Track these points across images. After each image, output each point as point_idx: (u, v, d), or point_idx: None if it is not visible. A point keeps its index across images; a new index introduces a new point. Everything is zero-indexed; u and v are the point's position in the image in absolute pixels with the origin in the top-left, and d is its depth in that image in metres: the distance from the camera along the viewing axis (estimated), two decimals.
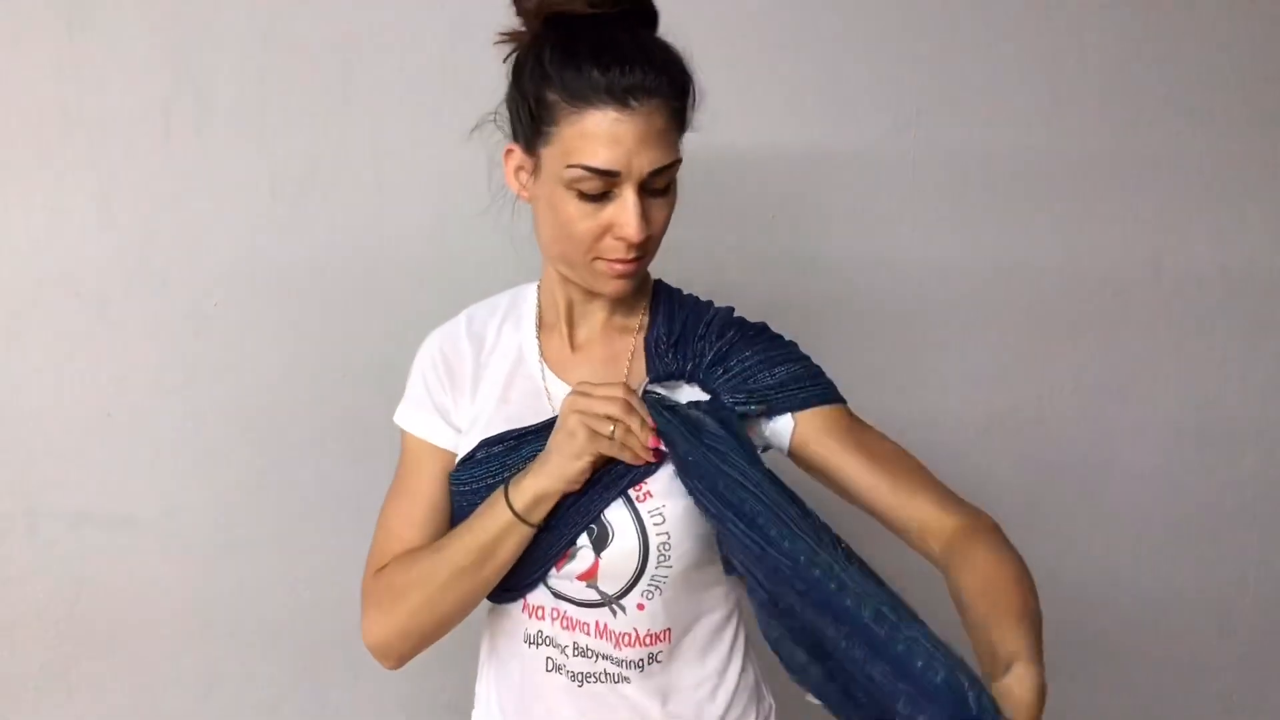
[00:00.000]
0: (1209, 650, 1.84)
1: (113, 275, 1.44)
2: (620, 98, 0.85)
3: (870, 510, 0.94)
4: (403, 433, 1.03)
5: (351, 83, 1.47)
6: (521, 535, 0.92)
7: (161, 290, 1.45)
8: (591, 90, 0.85)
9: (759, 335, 1.00)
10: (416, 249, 1.50)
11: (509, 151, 0.96)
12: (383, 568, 1.00)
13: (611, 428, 0.88)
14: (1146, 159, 1.69)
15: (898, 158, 1.62)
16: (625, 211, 0.88)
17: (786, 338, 1.02)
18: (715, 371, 0.96)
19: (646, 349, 0.99)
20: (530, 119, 0.91)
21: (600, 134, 0.85)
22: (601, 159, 0.86)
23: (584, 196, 0.88)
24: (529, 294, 1.05)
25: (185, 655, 1.52)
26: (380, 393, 1.48)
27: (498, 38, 0.94)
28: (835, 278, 1.63)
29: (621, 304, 1.01)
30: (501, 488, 0.93)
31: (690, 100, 0.92)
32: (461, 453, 0.99)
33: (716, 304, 1.04)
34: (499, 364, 1.01)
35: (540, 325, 1.02)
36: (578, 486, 0.91)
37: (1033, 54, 1.64)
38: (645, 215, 0.88)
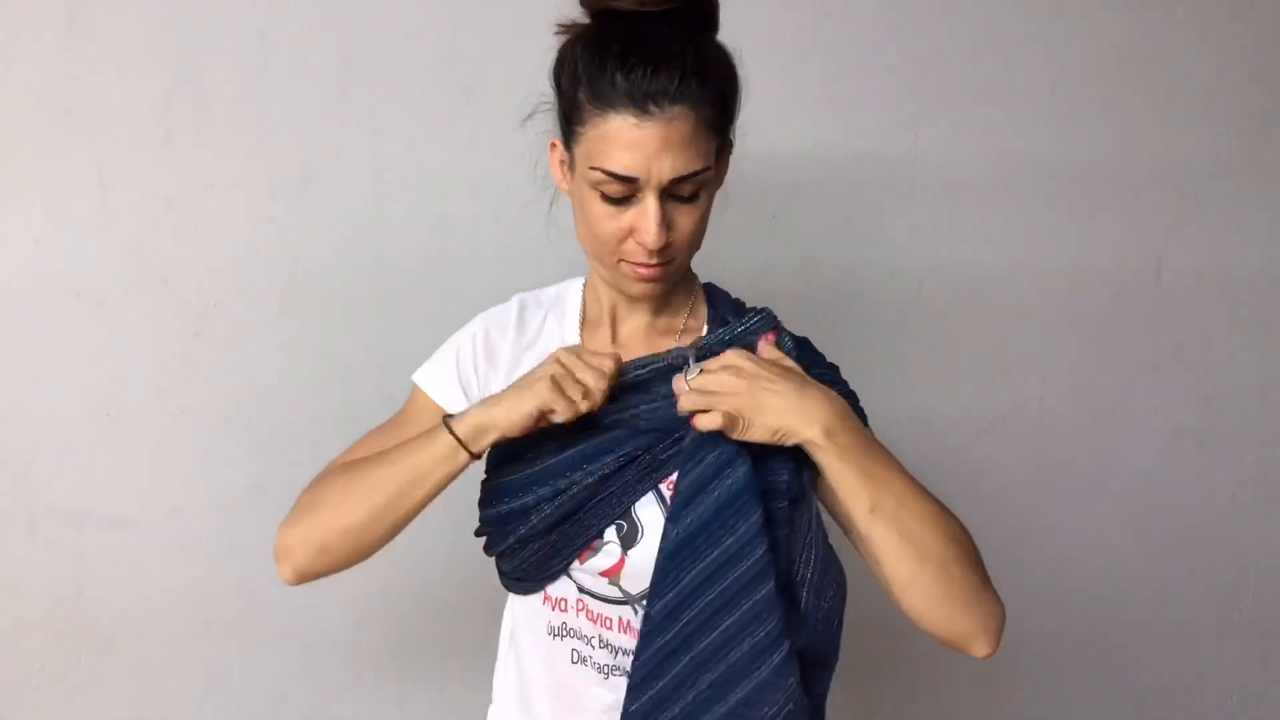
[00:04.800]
0: (1209, 650, 1.84)
1: (113, 275, 1.44)
2: (640, 103, 0.84)
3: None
4: (414, 388, 1.04)
5: (351, 83, 1.47)
6: (454, 465, 0.90)
7: (161, 290, 1.45)
8: (613, 93, 0.85)
9: (819, 361, 1.00)
10: (416, 249, 1.50)
11: (553, 145, 0.96)
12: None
13: (581, 393, 0.88)
14: (1146, 159, 1.69)
15: (898, 158, 1.62)
16: (645, 218, 0.87)
17: (826, 359, 1.01)
18: None
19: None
20: (564, 117, 0.91)
21: (619, 139, 0.85)
22: (619, 164, 0.85)
23: (607, 199, 0.88)
24: (574, 289, 1.05)
25: (185, 655, 1.52)
26: (380, 392, 1.49)
27: (557, 29, 0.93)
28: (835, 278, 1.62)
29: (666, 305, 1.01)
30: (442, 430, 0.91)
31: (733, 106, 0.91)
32: None
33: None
34: (540, 355, 1.00)
35: (584, 321, 1.02)
36: (517, 432, 0.89)
37: (1033, 55, 1.64)
38: (669, 221, 0.88)
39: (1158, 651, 1.82)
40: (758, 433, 0.86)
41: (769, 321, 0.97)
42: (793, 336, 0.98)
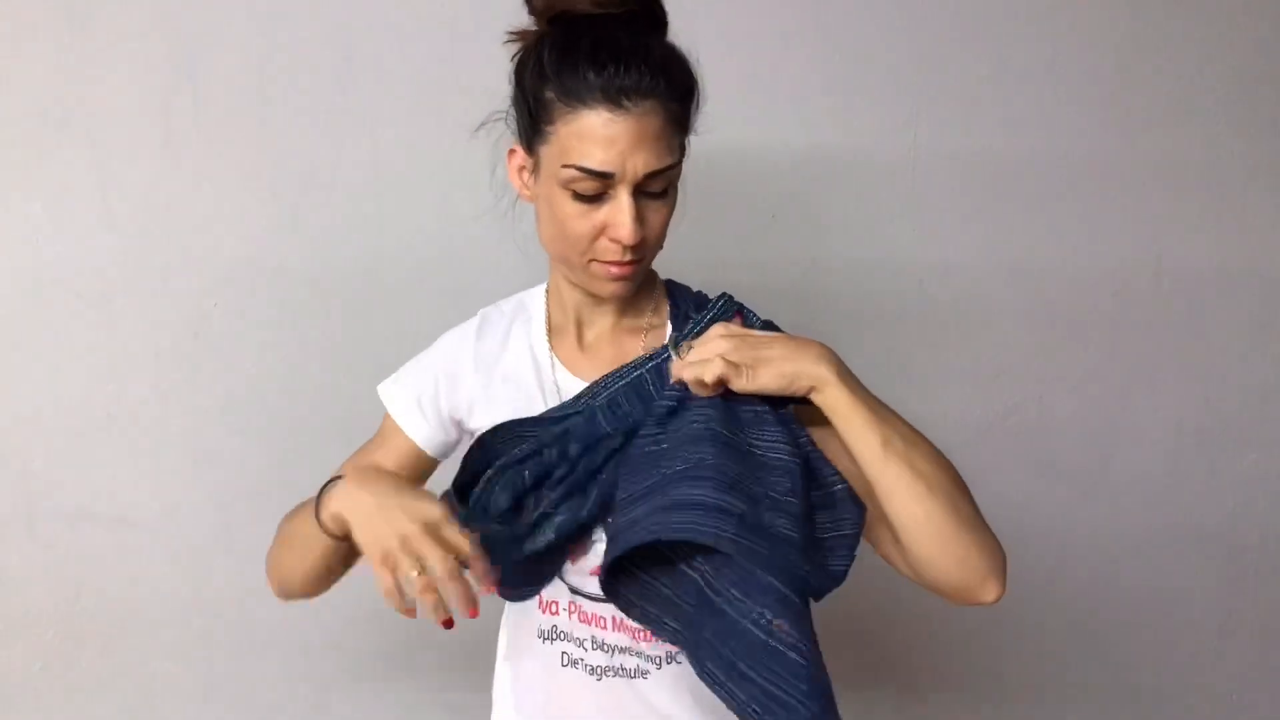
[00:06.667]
0: (1209, 650, 1.84)
1: (113, 275, 1.44)
2: (614, 98, 0.84)
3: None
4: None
5: (351, 83, 1.47)
6: (325, 542, 0.93)
7: (161, 290, 1.45)
8: (586, 90, 0.85)
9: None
10: (416, 249, 1.50)
11: (512, 151, 0.96)
12: None
13: (413, 574, 0.86)
14: (1146, 159, 1.69)
15: (898, 158, 1.62)
16: (619, 213, 0.87)
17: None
18: None
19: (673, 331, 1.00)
20: (529, 118, 0.91)
21: (594, 135, 0.85)
22: (595, 160, 0.85)
23: (579, 197, 0.88)
24: (536, 296, 1.05)
25: (185, 655, 1.52)
26: (379, 393, 1.49)
27: (506, 37, 0.94)
28: (835, 278, 1.63)
29: (630, 305, 1.01)
30: (325, 489, 0.93)
31: (693, 103, 0.92)
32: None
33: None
34: (509, 365, 1.01)
35: (550, 327, 1.03)
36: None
37: (1033, 54, 1.64)
38: (641, 217, 0.88)
39: (1158, 651, 1.82)
40: (766, 378, 0.85)
41: (732, 305, 0.98)
42: (758, 317, 0.99)
